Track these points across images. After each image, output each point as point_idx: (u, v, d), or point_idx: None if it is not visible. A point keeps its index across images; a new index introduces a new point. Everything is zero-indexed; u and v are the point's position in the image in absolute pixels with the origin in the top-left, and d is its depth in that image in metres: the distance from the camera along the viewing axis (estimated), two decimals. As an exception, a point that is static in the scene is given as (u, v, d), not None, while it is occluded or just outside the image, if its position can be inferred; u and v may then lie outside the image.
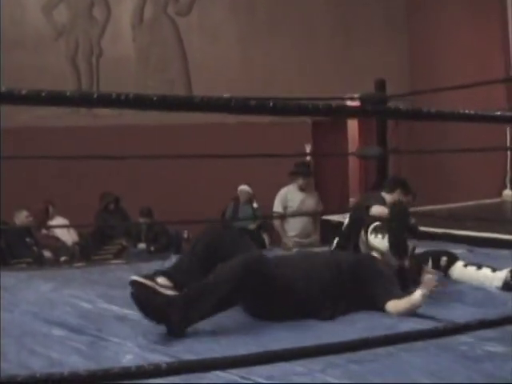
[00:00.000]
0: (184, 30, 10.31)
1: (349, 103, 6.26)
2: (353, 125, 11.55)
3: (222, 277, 2.82)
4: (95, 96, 1.23)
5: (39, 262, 7.17)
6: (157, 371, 1.93)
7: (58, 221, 8.04)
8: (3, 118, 8.78)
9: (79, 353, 2.60)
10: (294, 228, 7.59)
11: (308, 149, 10.36)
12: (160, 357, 2.49)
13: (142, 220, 8.27)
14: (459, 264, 3.70)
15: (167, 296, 2.81)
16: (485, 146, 8.04)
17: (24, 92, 1.28)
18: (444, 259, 3.70)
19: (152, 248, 8.15)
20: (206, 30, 10.35)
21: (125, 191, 8.67)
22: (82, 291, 3.85)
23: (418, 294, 2.99)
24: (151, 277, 2.92)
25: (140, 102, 1.23)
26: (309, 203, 7.56)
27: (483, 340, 2.50)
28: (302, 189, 7.56)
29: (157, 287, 2.84)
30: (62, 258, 7.43)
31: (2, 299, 3.43)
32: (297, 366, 2.23)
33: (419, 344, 2.39)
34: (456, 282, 3.62)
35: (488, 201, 8.45)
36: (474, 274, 3.62)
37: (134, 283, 2.78)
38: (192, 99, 1.26)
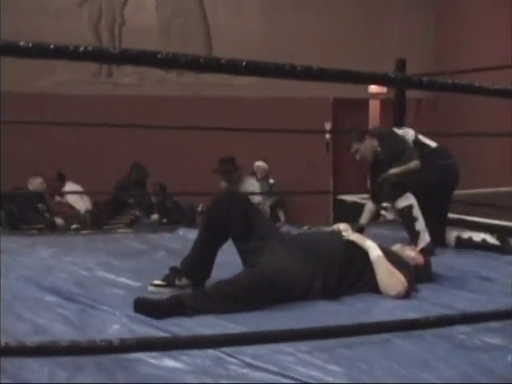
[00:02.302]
0: (208, 1, 10.18)
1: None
2: (375, 105, 11.40)
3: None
4: (52, 47, 1.15)
5: (51, 229, 7.14)
6: (145, 346, 1.85)
7: (71, 187, 7.97)
8: (22, 83, 8.79)
9: (66, 320, 2.54)
10: None
11: (328, 126, 10.23)
12: (147, 329, 2.42)
13: (154, 197, 8.21)
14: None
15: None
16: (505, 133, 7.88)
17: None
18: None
19: (164, 220, 8.08)
20: (229, 1, 10.22)
21: (141, 161, 8.59)
22: (82, 258, 3.81)
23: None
24: (171, 278, 3.05)
25: (98, 55, 1.16)
26: None
27: (482, 330, 2.40)
28: (226, 185, 7.58)
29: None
30: (73, 226, 7.38)
31: (1, 264, 3.38)
32: (284, 347, 2.15)
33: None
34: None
35: (507, 188, 8.30)
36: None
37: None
38: (155, 54, 1.18)
